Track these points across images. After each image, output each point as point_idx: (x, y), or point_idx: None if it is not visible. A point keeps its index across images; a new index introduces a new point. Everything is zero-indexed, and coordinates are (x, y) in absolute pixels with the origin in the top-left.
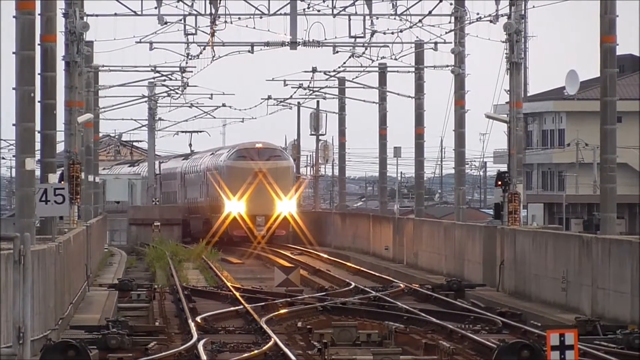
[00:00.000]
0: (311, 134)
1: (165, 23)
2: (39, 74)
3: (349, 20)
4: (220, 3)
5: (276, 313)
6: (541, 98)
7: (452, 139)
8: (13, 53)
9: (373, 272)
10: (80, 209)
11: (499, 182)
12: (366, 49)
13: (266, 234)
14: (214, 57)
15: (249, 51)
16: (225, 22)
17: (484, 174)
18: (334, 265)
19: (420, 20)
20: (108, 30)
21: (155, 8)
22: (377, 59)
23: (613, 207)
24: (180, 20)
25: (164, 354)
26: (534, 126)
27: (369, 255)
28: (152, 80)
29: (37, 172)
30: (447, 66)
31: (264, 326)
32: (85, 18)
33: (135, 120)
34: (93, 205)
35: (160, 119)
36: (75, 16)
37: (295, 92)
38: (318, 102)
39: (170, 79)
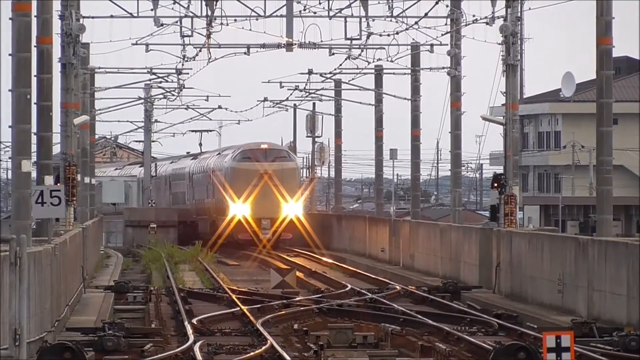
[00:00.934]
0: (307, 136)
1: (162, 25)
2: (35, 75)
3: (345, 22)
4: (216, 5)
5: (272, 315)
6: (537, 100)
7: (448, 141)
8: (9, 55)
9: (369, 274)
10: (77, 211)
11: (495, 184)
12: (362, 50)
13: (272, 238)
14: (210, 59)
15: (245, 53)
16: (222, 24)
17: (480, 176)
18: (330, 267)
19: (416, 22)
20: (104, 32)
21: (152, 10)
22: (373, 61)
23: (609, 209)
24: (177, 22)
25: (160, 356)
26: (530, 128)
27: (365, 257)
28: (148, 82)
29: (33, 174)
30: (443, 68)
31: (260, 328)
32: (81, 20)
33: (131, 122)
34: (89, 207)
35: (156, 121)
36: (71, 18)
37: (291, 94)
38: (314, 104)
39: (167, 81)
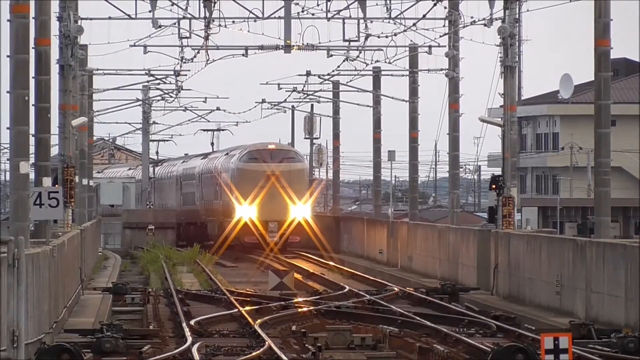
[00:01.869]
0: (305, 138)
1: (160, 26)
2: (33, 77)
3: (343, 23)
4: (214, 6)
5: (271, 316)
6: (535, 102)
7: (447, 143)
8: (7, 57)
9: (367, 276)
10: (75, 213)
11: (493, 186)
12: (360, 52)
13: (279, 241)
14: (208, 60)
15: (243, 54)
16: (220, 25)
17: (478, 177)
18: (328, 269)
19: (414, 24)
20: (102, 34)
21: (150, 11)
22: (371, 63)
23: (607, 210)
24: (175, 23)
25: (158, 357)
26: (528, 130)
27: (363, 259)
28: (147, 83)
29: (32, 176)
30: (441, 70)
31: (258, 330)
32: (79, 21)
33: (129, 123)
34: (87, 208)
35: (154, 123)
36: (69, 20)
37: (289, 96)
38: (312, 105)
39: (165, 83)
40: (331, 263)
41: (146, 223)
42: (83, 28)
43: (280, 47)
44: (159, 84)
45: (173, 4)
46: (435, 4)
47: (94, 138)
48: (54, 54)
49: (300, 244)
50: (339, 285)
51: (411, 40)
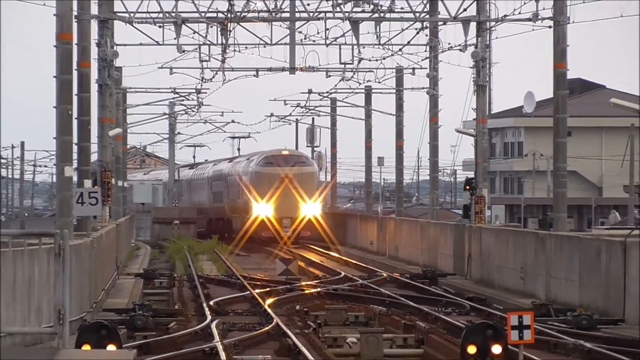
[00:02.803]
0: (307, 146)
1: (183, 51)
2: (75, 94)
3: (340, 49)
4: (229, 34)
5: (278, 298)
6: (503, 115)
7: (428, 150)
8: (54, 77)
9: (360, 263)
10: (111, 210)
11: (467, 187)
12: (354, 73)
13: (292, 235)
14: (224, 80)
15: (254, 75)
16: (234, 50)
17: (454, 179)
18: (327, 258)
19: (400, 49)
20: (134, 57)
21: (175, 38)
22: (364, 82)
23: (564, 208)
24: (196, 49)
25: (182, 332)
26: (497, 139)
27: (357, 249)
28: (172, 99)
29: (75, 179)
30: (423, 88)
31: (268, 309)
32: (115, 47)
33: (157, 134)
34: (122, 206)
35: (179, 133)
36: (106, 45)
37: (293, 110)
38: (313, 118)
39: (188, 99)
40: (330, 253)
41: (172, 218)
42: (118, 52)
43: (286, 69)
44: (182, 100)
45: (195, 32)
46: (418, 32)
47: (128, 146)
48: (94, 74)
49: (311, 237)
50: (336, 272)
51: (397, 63)
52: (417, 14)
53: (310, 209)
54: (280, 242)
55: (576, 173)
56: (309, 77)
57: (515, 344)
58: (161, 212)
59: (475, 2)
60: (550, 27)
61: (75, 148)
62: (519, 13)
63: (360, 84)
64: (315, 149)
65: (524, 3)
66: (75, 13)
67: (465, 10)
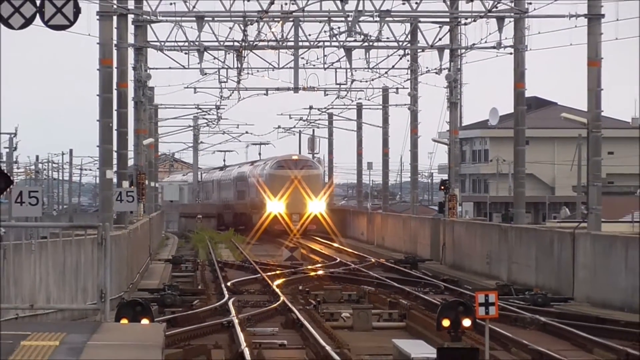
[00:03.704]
0: (308, 153)
1: (205, 74)
2: (115, 110)
3: (336, 72)
4: (244, 60)
5: (284, 279)
6: (472, 127)
7: (409, 156)
8: (97, 95)
9: (352, 251)
10: (145, 206)
11: (442, 187)
12: (347, 92)
13: (300, 228)
14: (239, 98)
15: (264, 94)
16: (248, 73)
17: (431, 181)
18: (325, 246)
19: (386, 72)
20: (164, 79)
21: (198, 63)
22: (356, 100)
23: (523, 204)
24: (216, 72)
25: (204, 308)
26: (467, 147)
27: (350, 239)
28: (196, 114)
29: (114, 180)
30: (405, 105)
31: (276, 289)
32: (148, 70)
33: (184, 143)
34: (154, 203)
35: (201, 142)
36: (141, 69)
37: (297, 123)
38: (313, 130)
39: (209, 114)
40: (330, 243)
41: (195, 213)
42: (151, 75)
43: (291, 88)
44: (204, 114)
45: (215, 57)
46: (400, 58)
47: (159, 153)
48: (130, 93)
49: (317, 230)
50: (332, 258)
51: (384, 84)
52: (400, 43)
53: (316, 205)
54: (290, 235)
55: (533, 175)
56: (310, 96)
57: (482, 318)
58: (187, 208)
59: (448, 33)
60: (511, 53)
61: (114, 154)
62: (485, 42)
63: (352, 101)
64: (315, 155)
65: (490, 34)
66: (115, 42)
67: (440, 39)
